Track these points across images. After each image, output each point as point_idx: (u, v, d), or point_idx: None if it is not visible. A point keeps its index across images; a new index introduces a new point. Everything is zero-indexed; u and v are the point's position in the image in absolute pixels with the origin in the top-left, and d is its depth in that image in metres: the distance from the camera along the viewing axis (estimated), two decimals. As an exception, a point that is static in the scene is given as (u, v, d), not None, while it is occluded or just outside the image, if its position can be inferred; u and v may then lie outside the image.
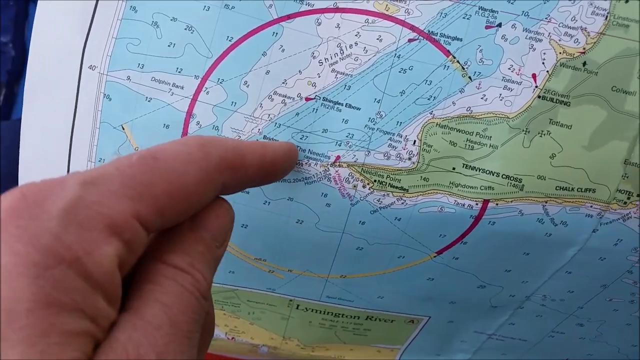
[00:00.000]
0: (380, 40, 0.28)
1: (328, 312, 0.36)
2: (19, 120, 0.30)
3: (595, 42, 0.26)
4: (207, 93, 0.28)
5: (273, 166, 0.24)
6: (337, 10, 0.28)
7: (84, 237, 0.16)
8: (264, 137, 0.29)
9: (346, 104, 0.28)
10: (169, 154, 0.19)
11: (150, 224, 0.18)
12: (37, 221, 0.16)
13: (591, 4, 0.26)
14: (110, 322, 0.17)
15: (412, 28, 0.27)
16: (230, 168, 0.21)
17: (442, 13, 0.27)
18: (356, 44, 0.28)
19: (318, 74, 0.28)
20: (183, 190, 0.19)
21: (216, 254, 0.22)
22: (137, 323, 0.17)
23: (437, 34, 0.27)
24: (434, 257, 0.31)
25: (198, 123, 0.29)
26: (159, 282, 0.19)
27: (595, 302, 0.34)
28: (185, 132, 0.29)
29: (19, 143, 0.30)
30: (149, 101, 0.29)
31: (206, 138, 0.21)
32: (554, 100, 0.27)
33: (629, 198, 0.28)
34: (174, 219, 0.19)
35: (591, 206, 0.28)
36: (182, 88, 0.28)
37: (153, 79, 0.28)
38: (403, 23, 0.28)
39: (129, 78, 0.28)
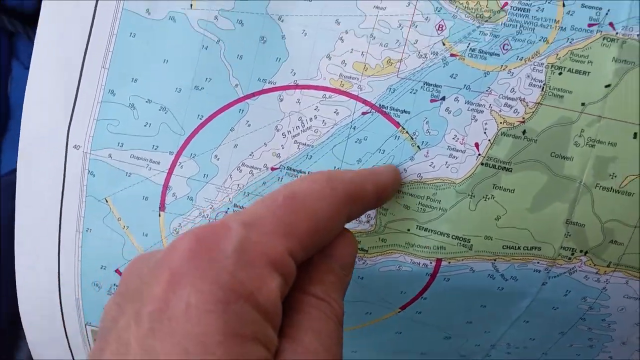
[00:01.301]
0: (337, 114, 0.29)
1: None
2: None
3: (533, 112, 0.27)
4: (182, 167, 0.30)
5: (385, 191, 0.26)
6: (297, 87, 0.29)
7: (254, 273, 0.18)
8: (234, 205, 0.30)
9: (308, 172, 0.30)
10: (306, 193, 0.21)
11: (297, 258, 0.20)
12: (215, 262, 0.17)
13: (528, 76, 0.27)
14: (275, 348, 0.18)
15: (365, 102, 0.29)
16: (353, 200, 0.23)
17: (390, 88, 0.29)
18: (315, 117, 0.29)
19: (282, 145, 0.30)
20: (321, 226, 0.21)
21: (345, 281, 0.23)
22: (297, 349, 0.19)
23: (387, 107, 0.29)
24: (399, 312, 0.32)
25: (174, 194, 0.30)
26: (306, 312, 0.20)
27: (557, 348, 0.34)
28: (162, 204, 0.30)
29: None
30: (129, 176, 0.30)
31: (331, 174, 0.23)
32: (497, 167, 0.28)
33: (572, 254, 0.28)
34: (312, 252, 0.21)
35: (538, 262, 0.29)
36: (159, 163, 0.30)
37: (132, 156, 0.30)
38: (357, 98, 0.29)
39: (110, 156, 0.30)
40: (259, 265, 0.18)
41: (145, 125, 0.30)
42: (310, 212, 0.20)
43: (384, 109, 0.29)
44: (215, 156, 0.30)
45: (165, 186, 0.30)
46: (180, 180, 0.30)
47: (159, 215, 0.30)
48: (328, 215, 0.21)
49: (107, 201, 0.31)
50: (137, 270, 0.20)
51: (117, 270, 0.32)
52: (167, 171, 0.30)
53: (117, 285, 0.31)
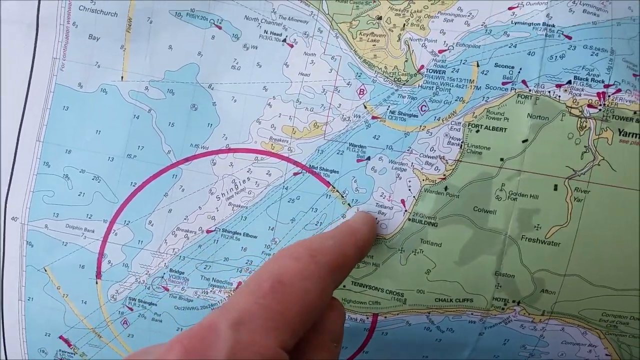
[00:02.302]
0: (270, 175, 0.30)
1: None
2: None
3: (453, 169, 0.28)
4: (116, 234, 0.31)
5: (365, 247, 0.26)
6: (229, 150, 0.30)
7: None
8: (170, 270, 0.30)
9: (244, 234, 0.30)
10: (291, 275, 0.20)
11: (289, 346, 0.19)
12: None
13: (447, 135, 0.28)
14: None
15: (296, 163, 0.30)
16: (338, 269, 0.23)
17: (319, 150, 0.30)
18: (248, 179, 0.30)
19: (216, 208, 0.30)
20: (309, 307, 0.20)
21: (336, 353, 0.23)
22: None
23: (317, 167, 0.30)
24: (342, 366, 0.32)
25: (109, 262, 0.31)
26: None
27: (505, 393, 0.34)
28: (98, 271, 0.31)
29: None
30: (65, 245, 0.31)
31: (312, 245, 0.22)
32: (423, 222, 0.29)
33: (505, 304, 0.29)
34: (303, 332, 0.21)
35: (472, 313, 0.29)
36: (93, 232, 0.31)
37: (67, 225, 0.31)
38: (287, 159, 0.30)
39: (46, 226, 0.31)
40: None
41: (79, 195, 0.30)
42: (299, 295, 0.20)
43: (314, 169, 0.29)
44: (150, 222, 0.30)
45: (101, 254, 0.30)
46: (115, 248, 0.30)
47: (96, 283, 0.31)
48: (317, 294, 0.21)
49: (46, 270, 0.31)
50: None
51: (61, 337, 0.32)
52: (101, 239, 0.30)
53: (62, 351, 0.31)
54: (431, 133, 0.28)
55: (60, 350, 0.33)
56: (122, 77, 0.30)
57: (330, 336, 0.23)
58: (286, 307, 0.20)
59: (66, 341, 0.32)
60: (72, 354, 0.33)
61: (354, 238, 0.25)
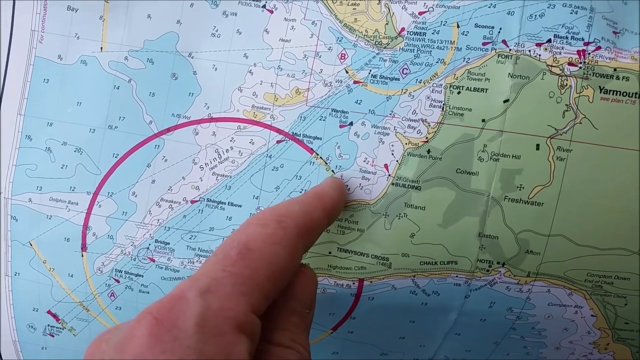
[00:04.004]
0: (253, 143, 0.31)
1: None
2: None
3: (435, 131, 0.29)
4: (100, 206, 0.31)
5: (334, 210, 0.27)
6: (211, 120, 0.31)
7: (220, 343, 0.18)
8: (156, 241, 0.31)
9: (228, 203, 0.31)
10: (258, 241, 0.21)
11: (260, 310, 0.20)
12: (178, 342, 0.17)
13: (428, 97, 0.29)
14: None
15: (279, 131, 0.30)
16: (306, 233, 0.23)
17: (301, 117, 0.30)
18: (232, 148, 0.31)
19: (200, 178, 0.31)
20: (279, 271, 0.21)
21: (308, 319, 0.24)
22: None
23: (300, 134, 0.30)
24: (331, 333, 0.33)
25: (94, 234, 0.31)
26: None
27: (495, 357, 0.35)
28: (84, 244, 0.31)
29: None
30: (49, 219, 0.31)
31: (279, 211, 0.23)
32: (406, 186, 0.29)
33: (490, 266, 0.30)
34: (274, 297, 0.21)
35: (457, 276, 0.30)
36: (77, 204, 0.31)
37: (51, 198, 0.31)
38: (270, 127, 0.30)
39: (30, 200, 0.31)
40: (225, 333, 0.18)
41: (62, 168, 0.31)
42: (266, 260, 0.20)
43: (297, 137, 0.30)
44: (133, 193, 0.31)
45: (85, 226, 0.31)
46: (99, 220, 0.31)
47: (82, 256, 0.31)
48: (285, 258, 0.21)
49: (31, 245, 0.32)
50: (100, 354, 0.19)
51: (49, 312, 0.33)
52: (85, 211, 0.31)
53: (51, 326, 0.32)
54: (413, 96, 0.29)
55: (48, 325, 0.33)
56: (101, 48, 0.31)
57: (301, 303, 0.23)
58: (255, 271, 0.20)
59: (54, 316, 0.33)
60: (60, 328, 0.33)
61: (322, 202, 0.26)
